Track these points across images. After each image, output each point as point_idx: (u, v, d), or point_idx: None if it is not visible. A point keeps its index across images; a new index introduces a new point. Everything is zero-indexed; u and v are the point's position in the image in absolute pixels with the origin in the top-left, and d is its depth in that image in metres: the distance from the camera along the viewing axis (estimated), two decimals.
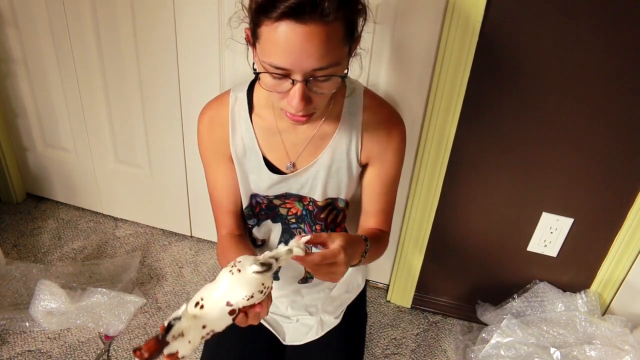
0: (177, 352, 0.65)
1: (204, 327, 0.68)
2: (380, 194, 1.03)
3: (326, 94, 0.80)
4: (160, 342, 0.64)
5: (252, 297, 0.70)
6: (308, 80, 0.76)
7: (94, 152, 1.90)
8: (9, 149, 1.99)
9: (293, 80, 0.75)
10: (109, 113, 1.78)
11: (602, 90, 1.28)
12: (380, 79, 1.43)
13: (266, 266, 0.71)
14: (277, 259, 0.74)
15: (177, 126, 1.72)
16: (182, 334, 0.66)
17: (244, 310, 0.72)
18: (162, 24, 1.52)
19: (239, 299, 0.70)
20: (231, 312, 0.70)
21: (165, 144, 1.78)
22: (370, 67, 1.41)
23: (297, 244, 0.76)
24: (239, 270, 0.71)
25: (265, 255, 0.74)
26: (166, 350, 0.65)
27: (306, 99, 0.77)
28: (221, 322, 0.70)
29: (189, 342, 0.66)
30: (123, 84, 1.69)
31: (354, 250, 0.85)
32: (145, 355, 0.63)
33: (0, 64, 1.79)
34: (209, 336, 0.70)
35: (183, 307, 0.68)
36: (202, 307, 0.69)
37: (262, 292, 0.72)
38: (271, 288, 0.75)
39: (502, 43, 1.28)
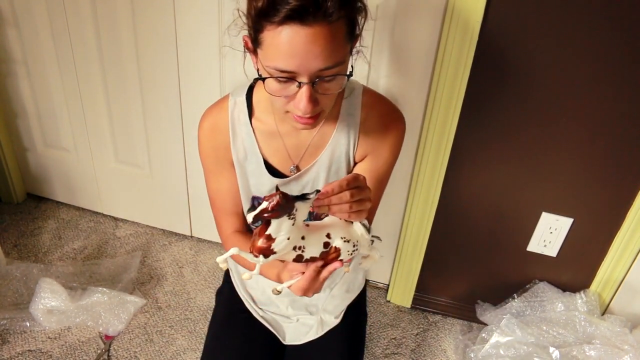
0: (269, 226, 0.70)
1: (302, 238, 0.73)
2: None
3: (332, 94, 0.80)
4: (291, 202, 0.68)
5: (348, 241, 0.76)
6: (314, 81, 0.75)
7: (94, 152, 1.90)
8: (9, 149, 1.99)
9: (299, 83, 0.75)
10: (109, 113, 1.78)
11: (602, 90, 1.28)
12: (380, 79, 1.43)
13: (369, 227, 0.79)
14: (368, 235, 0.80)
15: (177, 126, 1.72)
16: (294, 220, 0.70)
17: (327, 261, 0.76)
18: (163, 24, 1.52)
19: (338, 237, 0.76)
20: (325, 245, 0.75)
21: (165, 143, 1.78)
22: (371, 67, 1.41)
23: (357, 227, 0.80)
24: (350, 223, 0.78)
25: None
26: (274, 226, 0.69)
27: (313, 100, 0.77)
28: (313, 248, 0.75)
29: (288, 238, 0.71)
30: (123, 84, 1.69)
31: None
32: (279, 198, 0.67)
33: (0, 64, 1.79)
34: (297, 250, 0.73)
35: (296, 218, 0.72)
36: (307, 225, 0.75)
37: (355, 247, 0.77)
38: (350, 258, 0.79)
39: (502, 43, 1.28)
